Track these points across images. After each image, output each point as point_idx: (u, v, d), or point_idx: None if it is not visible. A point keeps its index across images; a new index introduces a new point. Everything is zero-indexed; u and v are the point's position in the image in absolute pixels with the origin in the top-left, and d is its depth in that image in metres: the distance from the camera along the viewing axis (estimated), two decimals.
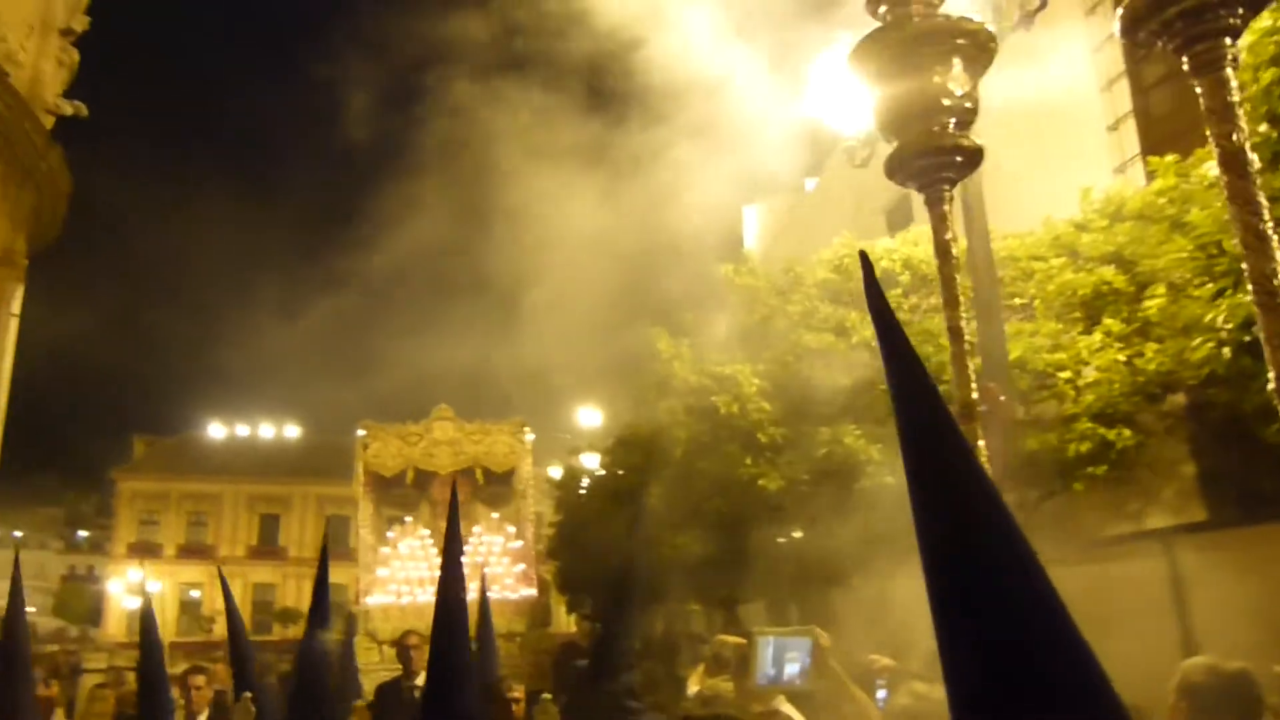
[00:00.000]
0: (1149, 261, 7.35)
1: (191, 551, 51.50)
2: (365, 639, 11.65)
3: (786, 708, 3.84)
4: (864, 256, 1.43)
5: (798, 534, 9.76)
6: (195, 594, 50.43)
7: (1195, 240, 6.64)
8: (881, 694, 4.14)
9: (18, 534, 68.69)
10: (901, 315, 8.87)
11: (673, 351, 10.12)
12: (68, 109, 26.10)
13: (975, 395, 2.05)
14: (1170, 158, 7.44)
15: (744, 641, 7.70)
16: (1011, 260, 8.60)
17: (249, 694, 4.49)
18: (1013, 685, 1.19)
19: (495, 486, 15.61)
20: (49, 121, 25.81)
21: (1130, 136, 10.56)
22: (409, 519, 14.95)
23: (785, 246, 20.20)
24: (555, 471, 20.60)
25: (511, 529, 14.83)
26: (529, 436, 14.98)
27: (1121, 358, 7.33)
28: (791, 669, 3.66)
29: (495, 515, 15.49)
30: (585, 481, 19.93)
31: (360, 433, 13.91)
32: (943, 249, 2.12)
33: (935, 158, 2.13)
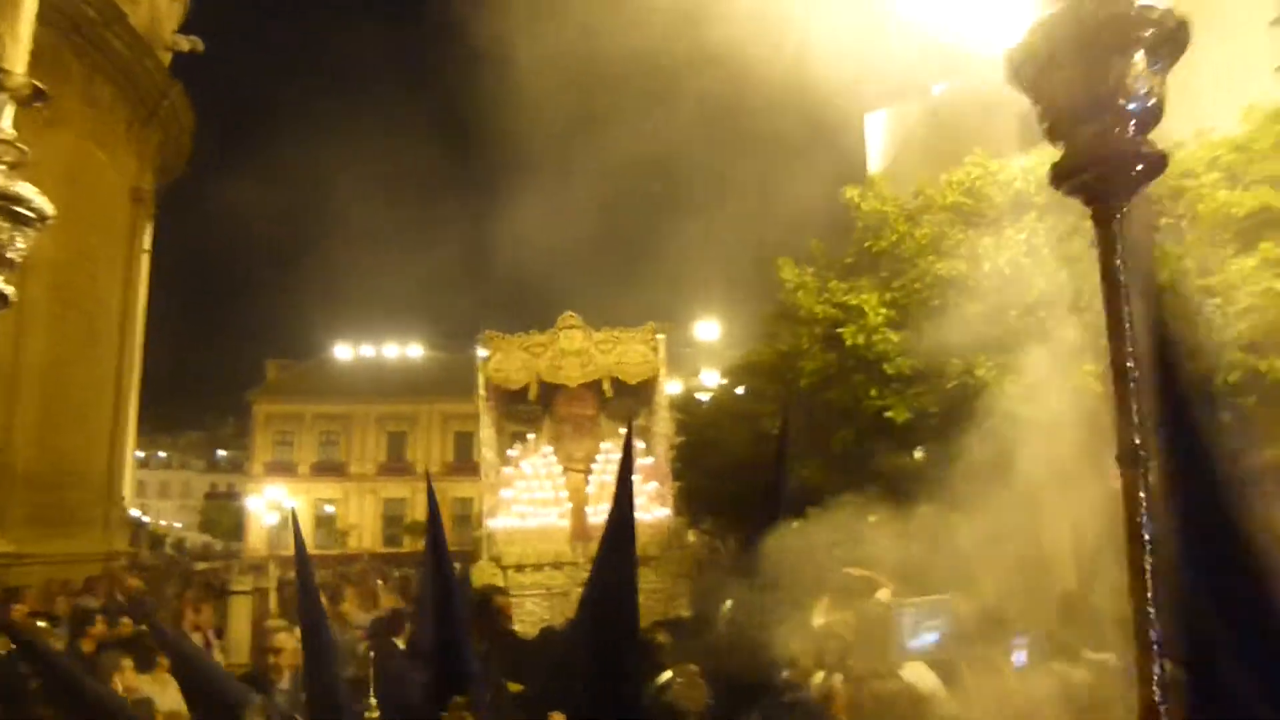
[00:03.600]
0: None
1: (325, 469, 53.99)
2: (490, 564, 11.65)
3: (920, 673, 3.76)
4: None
5: (918, 453, 9.54)
6: (330, 509, 52.90)
7: None
8: (1017, 656, 3.99)
9: (163, 454, 73.18)
10: (1036, 240, 8.46)
11: (798, 281, 9.89)
12: (185, 45, 26.76)
13: (1139, 439, 1.78)
14: None
15: (871, 575, 7.60)
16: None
17: None
18: None
19: (622, 399, 14.65)
20: (167, 59, 26.53)
21: None
22: (531, 436, 14.36)
23: (912, 156, 19.41)
24: (674, 386, 20.53)
25: (641, 444, 13.86)
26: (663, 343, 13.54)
27: (1278, 286, 6.85)
28: (930, 637, 3.58)
29: (623, 430, 14.57)
30: (705, 397, 19.94)
31: (480, 346, 12.82)
32: (1110, 275, 1.81)
33: (1107, 166, 1.79)
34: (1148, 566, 1.74)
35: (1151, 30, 1.76)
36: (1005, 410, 7.85)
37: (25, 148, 2.09)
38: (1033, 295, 8.09)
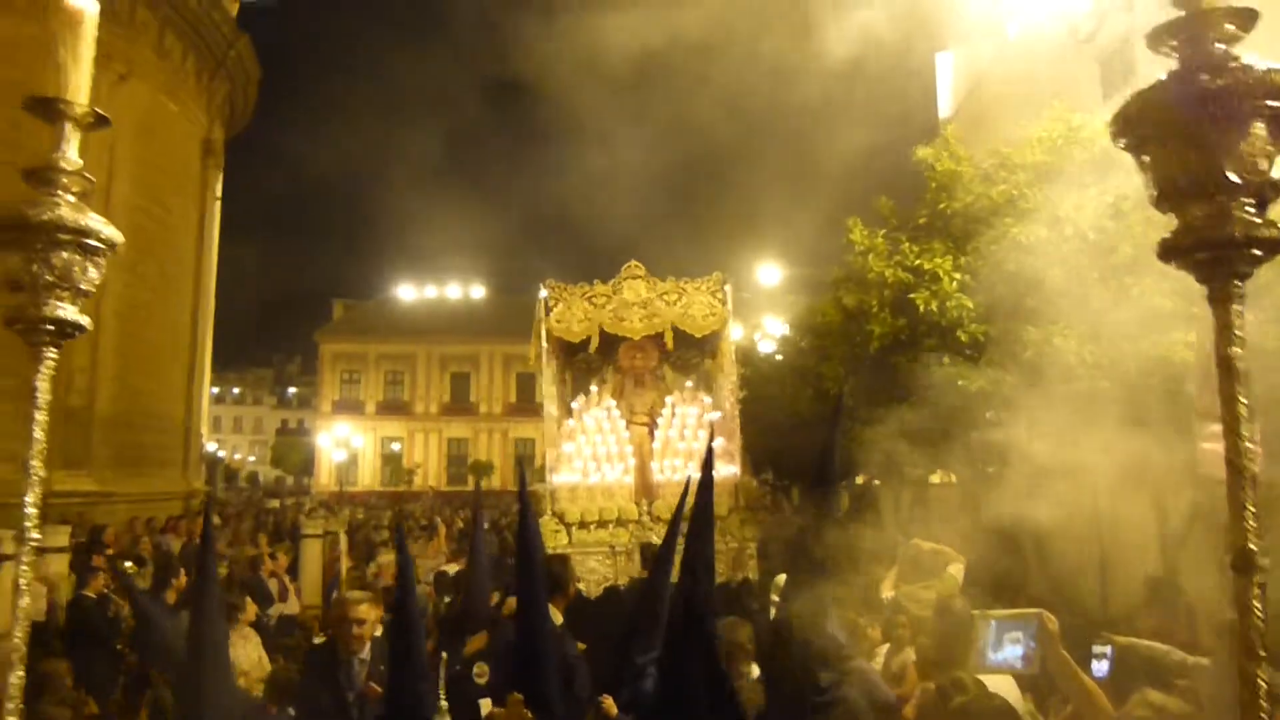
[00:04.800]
0: None
1: (390, 408, 54.96)
2: (553, 520, 11.56)
3: (1005, 690, 3.64)
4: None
5: (989, 415, 9.34)
6: (395, 447, 53.94)
7: None
8: (1098, 667, 3.82)
9: (236, 391, 75.15)
10: (1125, 205, 8.11)
11: (868, 244, 9.66)
12: None
13: (1254, 544, 1.61)
14: None
15: (941, 548, 7.43)
16: None
17: None
18: None
19: (684, 351, 14.17)
20: (234, 9, 26.73)
21: None
22: (594, 388, 14.00)
23: (985, 99, 18.81)
24: (735, 332, 20.22)
25: (708, 399, 13.39)
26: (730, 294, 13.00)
27: None
28: (1014, 650, 3.48)
29: (690, 383, 14.16)
30: (768, 345, 19.75)
31: (543, 294, 12.23)
32: (1225, 361, 1.59)
33: (1222, 250, 1.60)
34: (1265, 683, 1.55)
35: (1277, 99, 1.54)
36: (1085, 380, 7.64)
37: (92, 177, 2.06)
38: (1118, 259, 7.79)
